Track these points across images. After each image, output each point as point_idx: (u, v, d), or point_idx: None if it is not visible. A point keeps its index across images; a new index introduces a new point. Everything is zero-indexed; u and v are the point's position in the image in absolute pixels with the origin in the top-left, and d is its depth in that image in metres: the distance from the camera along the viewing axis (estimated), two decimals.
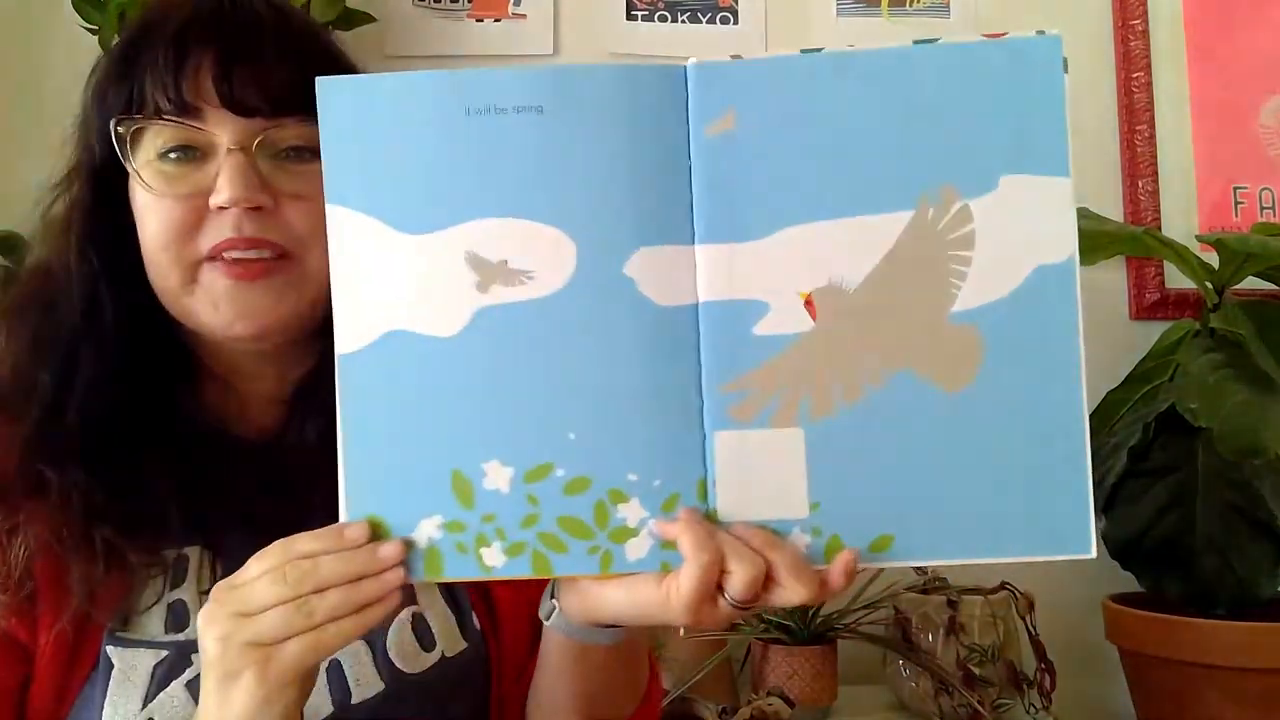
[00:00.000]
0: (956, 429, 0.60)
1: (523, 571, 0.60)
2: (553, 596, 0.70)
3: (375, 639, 0.75)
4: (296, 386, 0.78)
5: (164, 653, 0.70)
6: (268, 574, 0.58)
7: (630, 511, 0.60)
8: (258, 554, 0.60)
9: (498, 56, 1.65)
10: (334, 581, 0.58)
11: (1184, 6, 1.70)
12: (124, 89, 0.71)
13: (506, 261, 0.60)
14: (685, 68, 0.60)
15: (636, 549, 0.60)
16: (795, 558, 0.59)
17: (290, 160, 0.72)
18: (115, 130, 0.71)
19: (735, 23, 1.68)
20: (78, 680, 0.70)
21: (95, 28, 1.44)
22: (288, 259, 0.72)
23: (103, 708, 0.68)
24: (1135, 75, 1.67)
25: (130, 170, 0.71)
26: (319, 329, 0.73)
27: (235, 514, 0.73)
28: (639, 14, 1.68)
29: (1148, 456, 1.37)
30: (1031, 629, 1.39)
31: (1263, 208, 1.67)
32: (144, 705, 0.69)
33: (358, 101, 0.60)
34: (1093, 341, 0.60)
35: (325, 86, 0.61)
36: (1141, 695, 1.41)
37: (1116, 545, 1.39)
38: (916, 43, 0.60)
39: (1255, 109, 1.69)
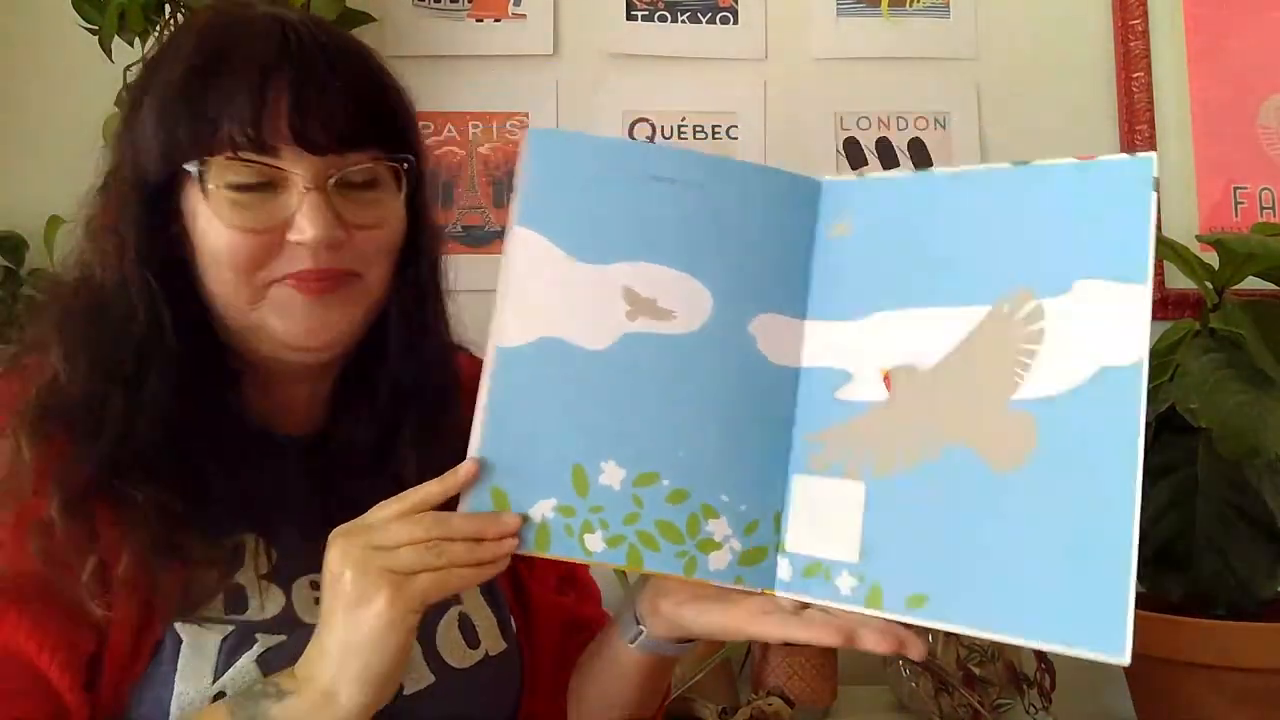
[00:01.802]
0: (1000, 507, 0.63)
1: (617, 561, 0.69)
2: (637, 623, 0.79)
3: (426, 634, 0.79)
4: (336, 386, 0.83)
5: (229, 628, 0.73)
6: (402, 518, 0.66)
7: (717, 527, 0.69)
8: (381, 503, 0.68)
9: (498, 57, 1.65)
10: (460, 535, 0.66)
11: (1184, 6, 1.70)
12: (198, 123, 0.72)
13: (655, 300, 0.71)
14: (821, 182, 0.74)
15: (718, 560, 0.69)
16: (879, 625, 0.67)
17: (358, 190, 0.76)
18: (198, 169, 0.72)
19: (735, 23, 1.68)
20: (143, 660, 0.72)
21: (95, 28, 1.44)
22: (353, 274, 0.76)
23: (174, 683, 0.71)
24: (1135, 75, 1.67)
25: (204, 201, 0.73)
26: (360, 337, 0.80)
27: (287, 504, 0.79)
28: (639, 14, 1.68)
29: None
30: None
31: (1263, 208, 1.67)
32: (215, 679, 0.71)
33: (561, 152, 0.72)
34: None
35: (535, 137, 0.72)
36: (1141, 695, 1.41)
37: None
38: (1015, 164, 0.68)
39: (1255, 109, 1.69)
